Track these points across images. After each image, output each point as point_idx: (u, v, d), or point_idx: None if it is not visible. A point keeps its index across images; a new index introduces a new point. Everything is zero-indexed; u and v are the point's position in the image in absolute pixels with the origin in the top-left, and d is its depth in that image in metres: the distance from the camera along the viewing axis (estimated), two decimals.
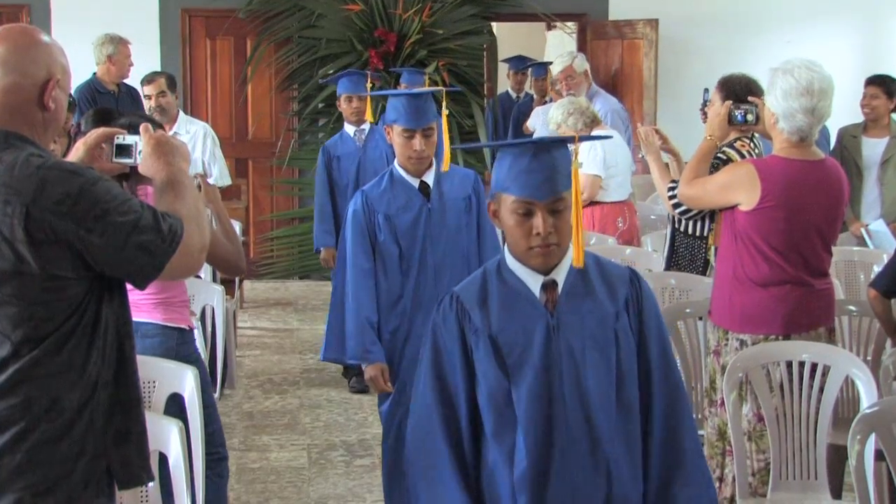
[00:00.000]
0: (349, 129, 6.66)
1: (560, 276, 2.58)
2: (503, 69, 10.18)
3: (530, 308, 2.55)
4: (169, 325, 3.79)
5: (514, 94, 10.17)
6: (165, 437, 3.16)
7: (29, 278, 2.31)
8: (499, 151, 2.63)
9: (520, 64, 10.14)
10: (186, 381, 3.55)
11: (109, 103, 6.81)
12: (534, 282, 2.57)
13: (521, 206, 2.53)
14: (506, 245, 2.63)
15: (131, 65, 7.40)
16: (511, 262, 2.61)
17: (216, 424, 3.95)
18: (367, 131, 6.60)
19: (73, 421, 2.37)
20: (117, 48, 7.26)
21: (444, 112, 4.30)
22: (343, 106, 6.68)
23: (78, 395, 2.37)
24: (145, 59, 8.52)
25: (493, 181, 2.62)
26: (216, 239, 3.87)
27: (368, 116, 6.47)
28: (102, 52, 7.24)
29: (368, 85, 6.66)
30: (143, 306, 3.71)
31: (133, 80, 7.46)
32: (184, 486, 3.17)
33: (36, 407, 2.34)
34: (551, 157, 2.55)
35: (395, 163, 4.23)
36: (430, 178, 4.20)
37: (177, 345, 3.80)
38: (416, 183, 4.19)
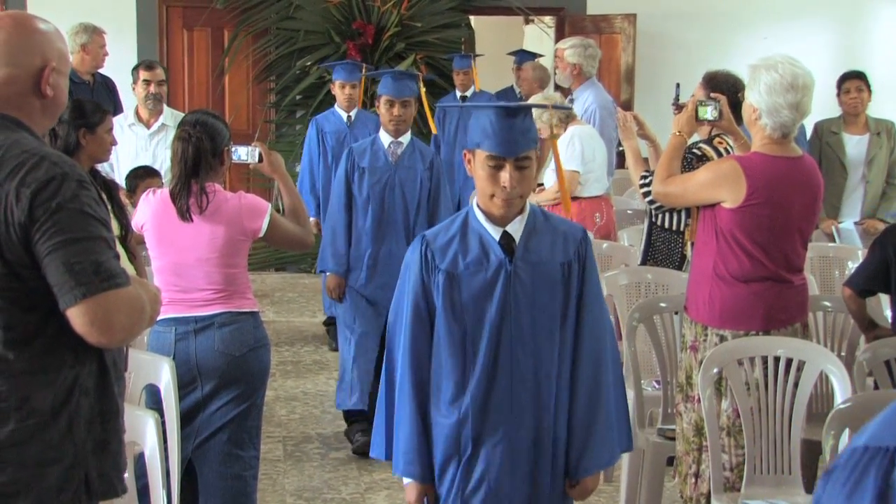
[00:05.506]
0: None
1: None
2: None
3: None
4: (242, 310, 3.86)
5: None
6: (141, 429, 3.14)
7: None
8: None
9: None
10: (162, 373, 3.53)
11: (84, 94, 6.71)
12: None
13: None
14: None
15: (106, 54, 7.25)
16: None
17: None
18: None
19: (46, 423, 2.33)
20: (91, 37, 7.12)
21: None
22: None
23: (51, 398, 2.33)
24: (122, 50, 8.47)
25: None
26: (277, 222, 3.92)
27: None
28: (76, 42, 7.11)
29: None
30: (212, 299, 3.80)
31: (109, 70, 7.39)
32: (159, 478, 3.15)
33: (3, 403, 2.30)
34: None
35: (473, 203, 2.96)
36: (516, 230, 2.93)
37: (253, 328, 3.87)
38: (496, 233, 2.91)
